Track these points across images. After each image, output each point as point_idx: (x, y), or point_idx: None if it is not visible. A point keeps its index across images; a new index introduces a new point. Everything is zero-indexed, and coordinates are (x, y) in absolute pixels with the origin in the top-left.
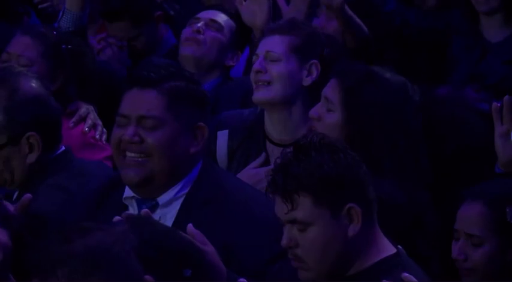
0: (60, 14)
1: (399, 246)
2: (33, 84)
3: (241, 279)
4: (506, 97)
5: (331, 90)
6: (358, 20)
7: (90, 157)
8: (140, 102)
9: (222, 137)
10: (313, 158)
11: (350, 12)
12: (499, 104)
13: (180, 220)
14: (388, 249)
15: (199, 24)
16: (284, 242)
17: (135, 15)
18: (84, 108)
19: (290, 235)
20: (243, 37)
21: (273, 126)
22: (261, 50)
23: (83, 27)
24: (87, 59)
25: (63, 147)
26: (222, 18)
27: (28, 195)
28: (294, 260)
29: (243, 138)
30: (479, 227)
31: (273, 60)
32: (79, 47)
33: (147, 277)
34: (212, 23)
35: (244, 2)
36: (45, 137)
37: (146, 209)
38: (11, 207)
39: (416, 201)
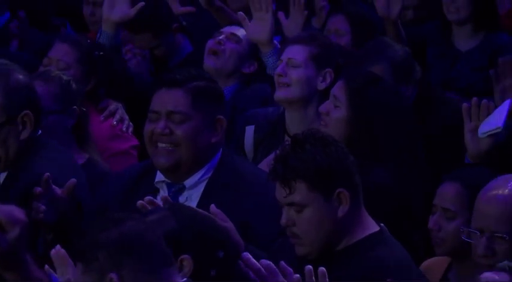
0: (98, 34)
1: (382, 225)
2: (21, 75)
3: (245, 253)
4: (474, 98)
5: (338, 90)
6: (402, 30)
7: (118, 146)
8: (168, 100)
9: (249, 131)
10: (308, 150)
11: (399, 23)
12: (468, 105)
13: (204, 201)
14: (372, 227)
15: (221, 37)
16: (283, 221)
17: (155, 28)
18: (114, 105)
19: (288, 216)
20: (258, 49)
21: (292, 123)
22: (284, 56)
23: (117, 45)
24: (116, 64)
25: (40, 131)
26: (241, 32)
27: (73, 180)
28: (291, 237)
29: (267, 132)
30: (454, 203)
31: (293, 66)
32: (110, 53)
33: (184, 256)
34: (232, 36)
35: (249, 22)
36: (36, 116)
37: (165, 195)
38: (58, 191)
39: (408, 189)
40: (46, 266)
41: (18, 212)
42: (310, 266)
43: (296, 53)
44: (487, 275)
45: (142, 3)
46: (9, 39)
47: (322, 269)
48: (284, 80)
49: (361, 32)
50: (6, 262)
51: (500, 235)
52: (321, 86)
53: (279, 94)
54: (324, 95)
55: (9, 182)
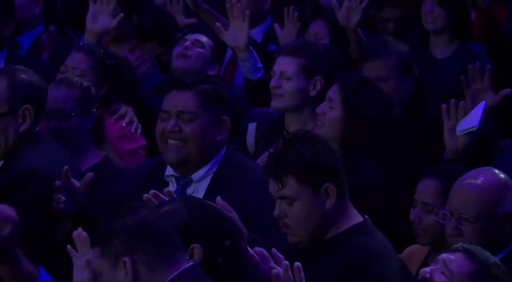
0: (81, 43)
1: (366, 216)
2: (25, 75)
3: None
4: (452, 100)
5: (333, 92)
6: (363, 37)
7: (127, 146)
8: (178, 101)
9: (251, 127)
10: (298, 149)
11: (359, 30)
12: (447, 106)
13: (210, 193)
14: (356, 218)
15: (187, 43)
16: (276, 213)
17: (161, 37)
18: (124, 108)
19: (280, 208)
20: (219, 53)
21: (290, 122)
22: (277, 68)
23: None
24: (126, 71)
25: (38, 128)
26: (204, 39)
27: (90, 174)
28: (283, 227)
29: (267, 130)
30: (433, 197)
31: (286, 78)
32: (120, 61)
33: (195, 245)
34: (197, 43)
35: (225, 31)
36: (36, 112)
37: (168, 189)
38: (76, 184)
39: (396, 184)
40: (68, 246)
41: (9, 211)
42: (287, 262)
43: (287, 65)
44: (444, 255)
45: (121, 15)
46: (42, 50)
47: (297, 264)
48: (279, 91)
49: (338, 36)
50: None
51: (465, 217)
52: (313, 92)
53: (276, 104)
54: (318, 97)
55: (3, 171)
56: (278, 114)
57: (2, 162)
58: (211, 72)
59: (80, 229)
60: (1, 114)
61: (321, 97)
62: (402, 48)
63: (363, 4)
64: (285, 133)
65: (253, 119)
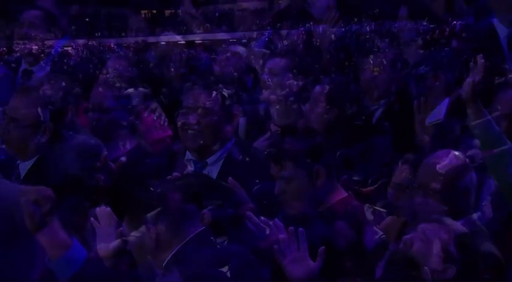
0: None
1: (350, 192)
2: (55, 91)
3: (248, 212)
4: (422, 98)
5: (317, 92)
6: (332, 51)
7: (158, 136)
8: (198, 98)
9: (242, 121)
10: (293, 138)
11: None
12: (417, 102)
13: (222, 174)
14: (342, 194)
15: (228, 54)
16: (276, 191)
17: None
18: (154, 104)
19: (280, 186)
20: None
21: (276, 115)
22: (267, 67)
23: None
24: (155, 73)
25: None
26: (241, 49)
27: (123, 158)
28: (283, 202)
29: (255, 123)
30: (405, 180)
31: (274, 74)
32: (151, 66)
33: (205, 211)
34: (236, 54)
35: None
36: (55, 127)
37: (176, 174)
38: (112, 166)
39: (374, 168)
40: (91, 218)
41: (48, 191)
42: (292, 227)
43: (275, 64)
44: (422, 225)
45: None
46: (69, 57)
47: (301, 229)
48: (268, 85)
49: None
50: (40, 228)
51: (432, 188)
52: (295, 87)
53: (265, 96)
54: (299, 93)
55: (35, 170)
56: (264, 109)
57: (32, 161)
58: (246, 80)
59: (102, 206)
60: (25, 125)
61: (302, 93)
62: (399, 50)
63: (334, 29)
64: (272, 125)
65: (242, 113)
